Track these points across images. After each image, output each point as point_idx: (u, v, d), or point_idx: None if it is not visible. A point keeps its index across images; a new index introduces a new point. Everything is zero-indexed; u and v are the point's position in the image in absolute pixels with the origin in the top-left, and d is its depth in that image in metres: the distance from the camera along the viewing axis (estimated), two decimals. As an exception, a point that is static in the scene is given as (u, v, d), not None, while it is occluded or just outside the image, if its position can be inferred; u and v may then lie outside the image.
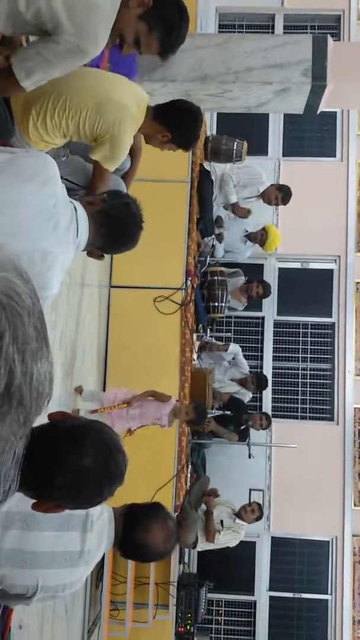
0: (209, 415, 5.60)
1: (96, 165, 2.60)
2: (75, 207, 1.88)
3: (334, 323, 7.51)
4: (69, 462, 1.27)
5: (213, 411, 5.68)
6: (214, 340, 6.54)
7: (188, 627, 5.43)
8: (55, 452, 1.25)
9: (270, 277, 7.47)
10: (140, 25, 2.22)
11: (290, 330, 7.59)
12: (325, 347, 7.55)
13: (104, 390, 4.84)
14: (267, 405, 7.32)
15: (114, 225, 1.99)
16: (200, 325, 6.06)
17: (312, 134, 7.95)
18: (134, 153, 3.04)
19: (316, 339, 7.58)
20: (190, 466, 5.63)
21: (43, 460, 1.19)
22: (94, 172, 2.64)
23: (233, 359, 6.52)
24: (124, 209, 2.01)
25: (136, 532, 1.83)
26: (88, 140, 2.57)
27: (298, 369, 7.56)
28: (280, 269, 7.64)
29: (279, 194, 6.55)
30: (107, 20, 2.04)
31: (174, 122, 2.68)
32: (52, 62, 2.00)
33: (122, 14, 2.16)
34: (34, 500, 1.27)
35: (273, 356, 7.51)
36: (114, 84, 2.62)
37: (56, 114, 2.47)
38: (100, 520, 1.78)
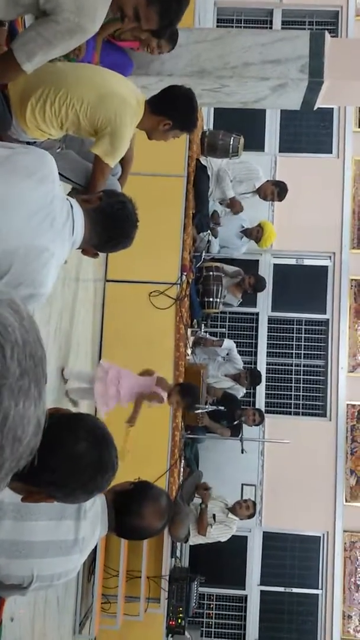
0: (202, 411, 5.62)
1: (97, 160, 2.60)
2: (71, 205, 1.89)
3: (327, 320, 7.53)
4: (64, 445, 1.28)
5: (207, 406, 5.69)
6: (208, 335, 6.55)
7: (179, 621, 5.45)
8: (50, 435, 1.25)
9: (265, 273, 7.48)
10: (139, 1, 2.23)
11: (285, 326, 7.60)
12: (319, 344, 7.57)
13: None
14: (261, 401, 7.34)
15: (110, 223, 1.99)
16: (195, 320, 6.07)
17: (309, 130, 7.95)
18: (125, 161, 3.05)
19: (310, 336, 7.60)
20: (183, 461, 5.65)
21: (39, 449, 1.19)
22: (94, 167, 2.64)
23: (227, 354, 6.53)
24: (120, 207, 2.02)
25: (129, 519, 1.85)
26: (85, 133, 2.57)
27: (292, 365, 7.58)
28: (275, 265, 7.65)
29: (275, 190, 6.56)
30: None
31: (170, 109, 2.69)
32: (52, 43, 2.00)
33: None
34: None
35: (267, 352, 7.53)
36: (115, 79, 2.63)
37: (57, 101, 2.47)
38: (93, 509, 1.79)
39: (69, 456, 1.28)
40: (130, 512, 1.85)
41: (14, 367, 0.59)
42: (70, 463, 1.28)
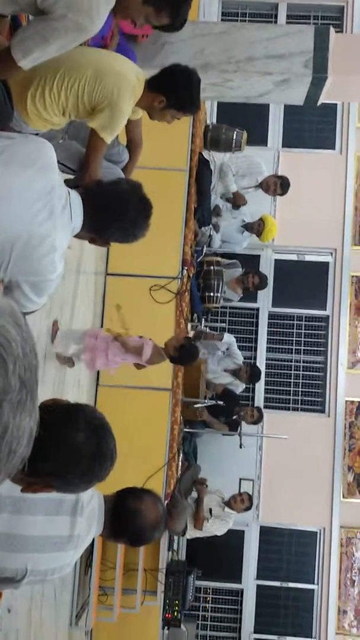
0: (201, 405, 5.62)
1: (92, 136, 2.54)
2: (68, 191, 1.89)
3: (328, 316, 7.53)
4: (63, 435, 1.28)
5: (206, 401, 5.69)
6: (208, 330, 6.55)
7: (175, 614, 5.48)
8: (50, 425, 1.25)
9: (266, 268, 7.47)
10: (147, 8, 2.23)
11: (285, 322, 7.60)
12: (319, 340, 7.57)
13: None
14: (260, 396, 7.34)
15: (103, 203, 1.94)
16: (195, 314, 6.07)
17: (312, 126, 7.92)
18: (134, 147, 3.02)
19: (310, 332, 7.60)
20: (181, 455, 5.66)
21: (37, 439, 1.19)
22: (88, 142, 2.58)
23: (227, 349, 6.53)
24: (112, 187, 2.00)
25: (129, 500, 1.84)
26: (86, 114, 2.53)
27: (291, 361, 7.59)
28: (276, 261, 7.64)
29: (278, 184, 6.54)
30: None
31: (166, 84, 2.62)
32: (48, 40, 1.99)
33: (127, 1, 2.17)
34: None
35: (267, 347, 7.53)
36: (113, 57, 2.62)
37: (55, 86, 2.45)
38: (90, 505, 1.79)
39: (67, 447, 1.29)
40: (128, 511, 1.84)
41: (14, 381, 0.60)
42: (69, 454, 1.29)
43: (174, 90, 2.63)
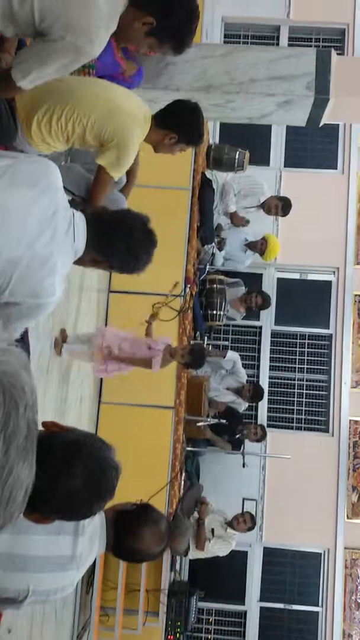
0: (204, 423, 5.60)
1: (100, 171, 2.61)
2: (73, 213, 1.90)
3: (331, 334, 7.52)
4: (60, 481, 1.26)
5: (208, 419, 5.67)
6: (211, 347, 6.55)
7: (178, 635, 5.41)
8: (47, 467, 1.24)
9: (269, 287, 7.49)
10: (150, 40, 2.26)
11: (288, 340, 7.60)
12: (322, 359, 7.56)
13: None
14: (263, 415, 7.31)
15: (109, 231, 1.98)
16: (198, 332, 6.07)
17: (314, 146, 7.99)
18: (130, 170, 3.06)
19: (313, 350, 7.59)
20: (184, 474, 5.62)
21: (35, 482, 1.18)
22: (96, 177, 2.65)
23: (232, 367, 6.53)
24: (120, 216, 2.02)
25: (128, 540, 1.83)
26: (91, 145, 2.58)
27: (294, 380, 7.57)
28: (279, 279, 7.66)
29: (280, 205, 6.59)
30: (104, 20, 2.03)
31: (176, 122, 2.72)
32: (46, 62, 2.01)
33: (130, 32, 2.20)
34: None
35: (270, 366, 7.52)
36: (123, 95, 2.65)
37: (63, 116, 2.49)
38: (91, 525, 1.78)
39: (64, 494, 1.27)
40: (129, 532, 1.83)
41: (23, 426, 0.60)
42: (66, 500, 1.28)
43: (184, 127, 2.73)
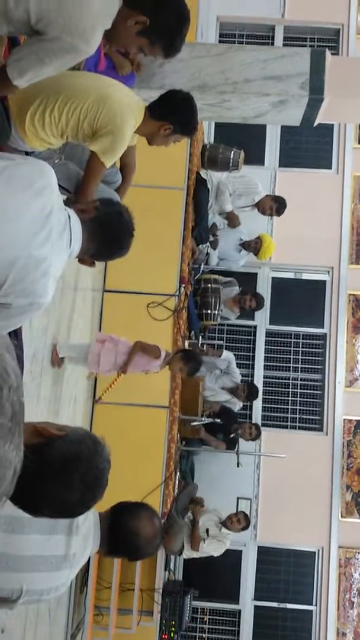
0: (198, 423, 5.61)
1: (92, 158, 2.58)
2: (69, 215, 1.90)
3: (325, 334, 7.54)
4: (56, 498, 1.28)
5: (203, 419, 5.68)
6: (206, 347, 6.55)
7: (172, 635, 5.41)
8: (43, 487, 1.25)
9: (264, 286, 7.50)
10: (141, 40, 2.26)
11: (282, 339, 7.61)
12: (316, 358, 7.58)
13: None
14: (257, 414, 7.32)
15: (107, 233, 2.00)
16: (193, 332, 6.08)
17: (309, 146, 8.00)
18: (127, 171, 3.06)
19: (307, 349, 7.60)
20: (178, 473, 5.63)
21: (31, 491, 1.20)
22: (88, 165, 2.61)
23: (227, 366, 6.54)
24: (116, 217, 2.02)
25: (125, 519, 1.83)
26: (86, 138, 2.57)
27: (289, 379, 7.58)
28: (273, 279, 7.67)
29: (274, 205, 6.60)
30: (99, 18, 2.04)
31: (170, 112, 2.71)
32: (44, 61, 2.00)
33: (122, 31, 2.19)
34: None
35: (264, 365, 7.53)
36: (115, 85, 2.66)
37: (56, 108, 2.48)
38: (86, 524, 1.78)
39: (59, 503, 1.30)
40: (126, 511, 1.84)
41: (7, 407, 0.60)
42: (63, 509, 1.33)
43: (179, 117, 2.72)
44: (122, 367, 4.27)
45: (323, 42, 8.01)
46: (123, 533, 1.82)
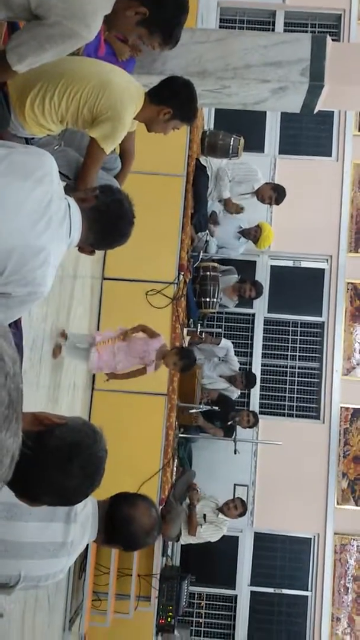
0: (196, 410, 5.62)
1: (92, 144, 2.57)
2: (69, 204, 1.89)
3: (323, 322, 7.55)
4: (55, 485, 1.30)
5: (201, 406, 5.70)
6: (204, 334, 6.56)
7: (169, 620, 5.47)
8: (43, 474, 1.27)
9: (262, 274, 7.49)
10: (140, 29, 2.25)
11: (280, 328, 7.62)
12: (314, 346, 7.59)
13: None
14: (255, 402, 7.35)
15: (107, 222, 1.99)
16: (191, 320, 6.08)
17: (309, 133, 7.96)
18: (127, 157, 3.04)
19: (305, 338, 7.62)
20: (176, 460, 5.65)
21: (31, 478, 1.20)
22: (88, 151, 2.60)
23: (225, 354, 6.54)
24: (116, 206, 2.01)
25: (122, 507, 1.85)
26: (85, 124, 2.55)
27: (287, 367, 7.60)
28: (272, 267, 7.66)
29: (273, 194, 6.57)
30: (101, 3, 2.03)
31: (170, 97, 2.70)
32: (44, 46, 1.99)
33: (121, 20, 2.19)
34: None
35: (262, 353, 7.54)
36: (114, 70, 2.64)
37: (56, 94, 2.47)
38: (84, 512, 1.79)
39: (61, 491, 1.33)
40: (124, 500, 1.86)
41: (4, 395, 0.60)
42: (63, 496, 1.35)
43: (178, 102, 2.71)
44: (118, 376, 4.31)
45: (324, 28, 7.94)
46: (119, 520, 1.83)
